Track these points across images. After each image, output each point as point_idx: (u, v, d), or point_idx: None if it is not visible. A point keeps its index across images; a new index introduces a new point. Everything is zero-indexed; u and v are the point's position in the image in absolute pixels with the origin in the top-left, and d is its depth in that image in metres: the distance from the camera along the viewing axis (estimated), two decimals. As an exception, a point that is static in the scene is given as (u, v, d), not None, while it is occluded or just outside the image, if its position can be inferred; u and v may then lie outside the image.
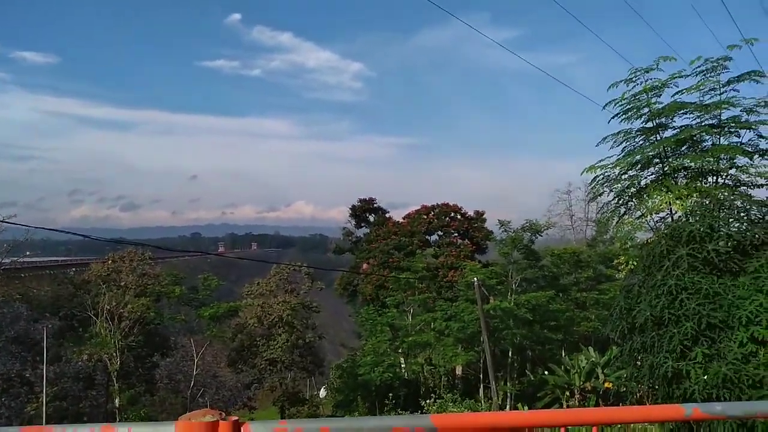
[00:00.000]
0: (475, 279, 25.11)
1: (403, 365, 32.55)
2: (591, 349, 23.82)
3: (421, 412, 20.80)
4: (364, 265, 43.15)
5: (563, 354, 27.29)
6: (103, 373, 32.14)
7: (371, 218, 47.12)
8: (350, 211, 47.30)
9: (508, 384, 28.21)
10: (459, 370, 32.04)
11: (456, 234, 43.12)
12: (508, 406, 26.11)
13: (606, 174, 13.57)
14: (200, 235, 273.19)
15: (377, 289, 39.59)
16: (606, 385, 21.00)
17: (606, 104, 13.62)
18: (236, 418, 2.40)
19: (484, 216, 43.37)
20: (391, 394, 24.95)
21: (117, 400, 29.23)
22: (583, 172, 13.31)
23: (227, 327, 37.46)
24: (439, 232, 43.85)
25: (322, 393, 36.30)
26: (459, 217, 43.47)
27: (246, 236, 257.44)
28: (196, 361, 32.73)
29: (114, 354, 28.74)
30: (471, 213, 43.53)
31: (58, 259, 78.10)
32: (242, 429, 2.39)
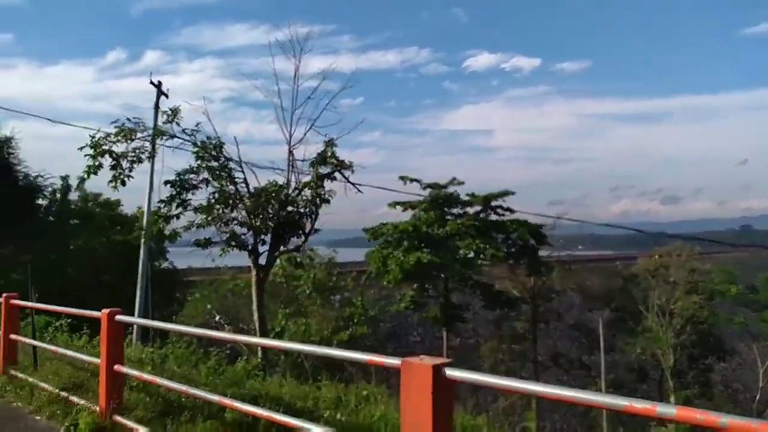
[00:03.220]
0: None
1: None
2: None
3: None
4: None
5: None
6: (655, 369, 32.15)
7: None
8: None
9: None
10: None
11: None
12: None
13: None
14: (751, 227, 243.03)
15: None
16: None
17: None
18: None
19: None
20: None
21: (672, 398, 28.53)
22: None
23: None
24: None
25: None
26: None
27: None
28: (761, 371, 28.85)
29: (666, 351, 28.30)
30: None
31: (603, 253, 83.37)
32: None
